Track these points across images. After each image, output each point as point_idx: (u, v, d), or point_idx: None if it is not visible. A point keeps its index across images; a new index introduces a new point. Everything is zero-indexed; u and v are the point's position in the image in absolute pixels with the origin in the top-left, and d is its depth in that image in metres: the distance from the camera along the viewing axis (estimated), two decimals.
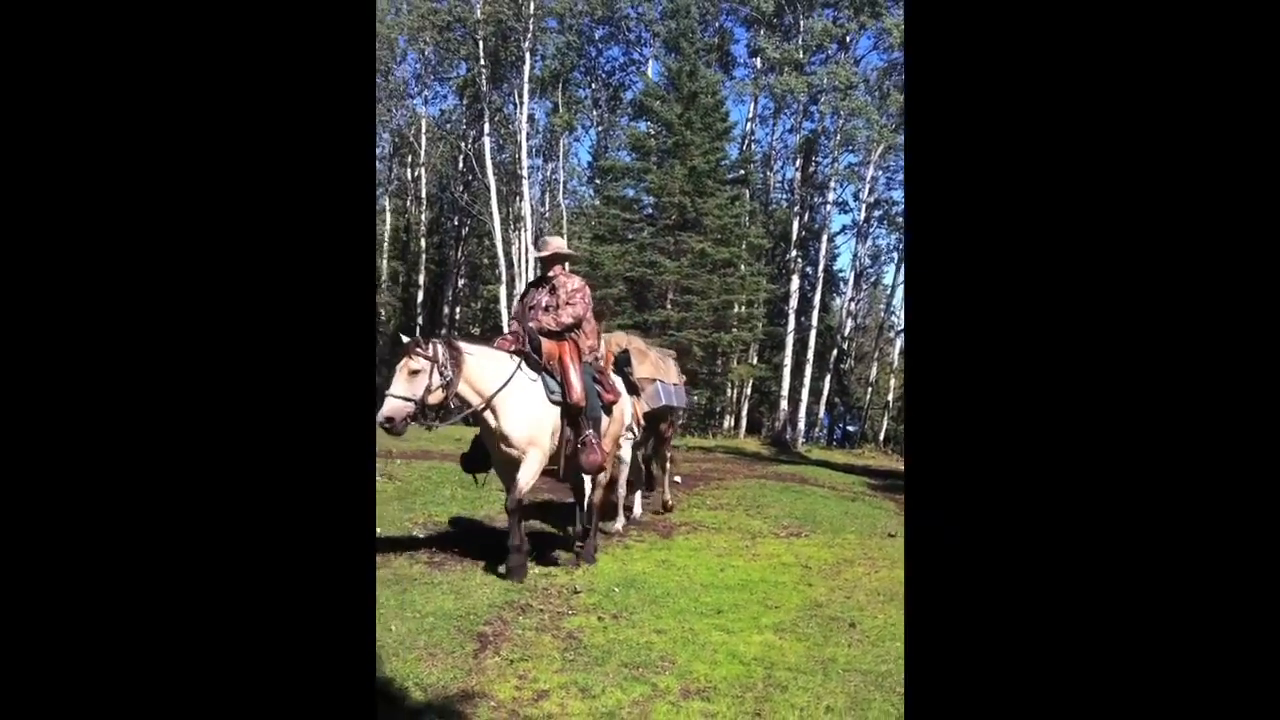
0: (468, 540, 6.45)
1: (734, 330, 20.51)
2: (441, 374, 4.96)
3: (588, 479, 6.07)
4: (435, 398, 4.97)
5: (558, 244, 6.01)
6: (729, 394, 24.49)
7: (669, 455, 8.97)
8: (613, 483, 6.79)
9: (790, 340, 23.30)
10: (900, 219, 24.48)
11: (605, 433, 5.88)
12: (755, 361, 23.57)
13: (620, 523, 7.27)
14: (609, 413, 5.98)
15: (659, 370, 7.93)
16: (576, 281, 5.81)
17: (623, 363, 7.15)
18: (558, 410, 5.46)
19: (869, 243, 28.74)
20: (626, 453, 7.11)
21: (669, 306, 19.29)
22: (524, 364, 5.42)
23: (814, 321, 23.87)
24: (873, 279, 33.13)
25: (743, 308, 21.79)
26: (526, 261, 22.82)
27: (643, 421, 7.46)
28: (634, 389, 7.15)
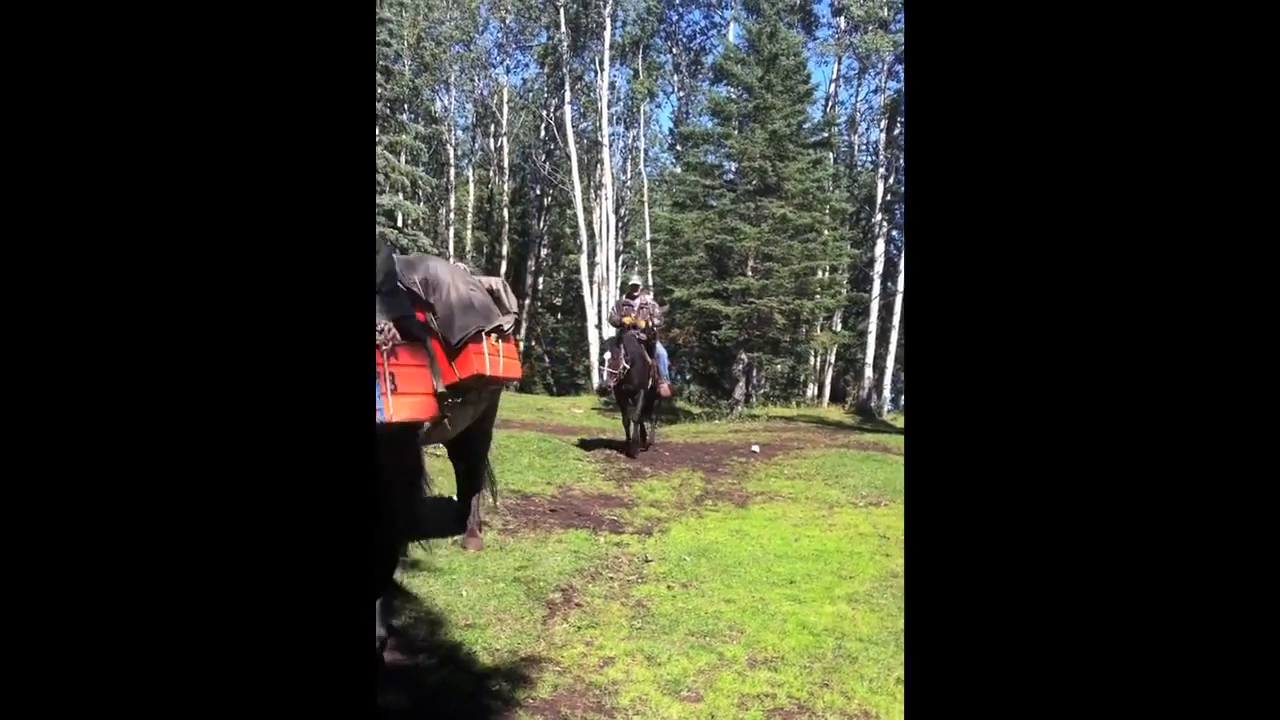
0: (542, 509, 6.52)
1: (816, 297, 20.10)
2: None
3: None
4: None
5: None
6: (812, 362, 24.13)
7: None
8: None
9: (875, 306, 22.75)
10: None
11: None
12: (839, 328, 23.12)
13: None
14: None
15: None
16: None
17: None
18: None
19: None
20: None
21: (749, 273, 19.02)
22: None
23: (900, 286, 23.22)
24: None
25: (825, 273, 21.34)
26: (607, 231, 22.80)
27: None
28: None
